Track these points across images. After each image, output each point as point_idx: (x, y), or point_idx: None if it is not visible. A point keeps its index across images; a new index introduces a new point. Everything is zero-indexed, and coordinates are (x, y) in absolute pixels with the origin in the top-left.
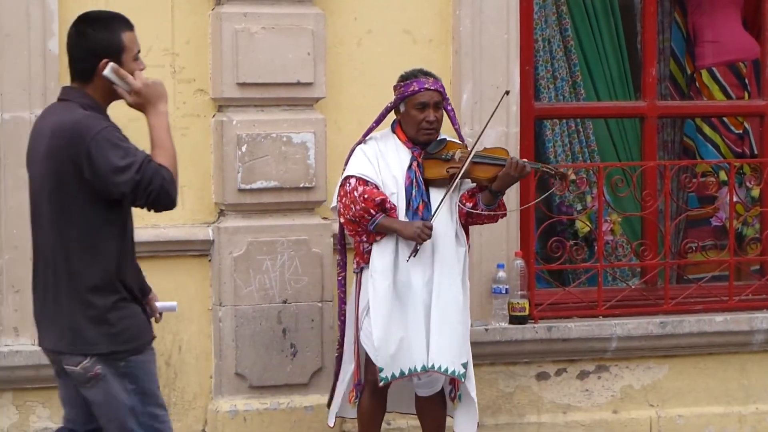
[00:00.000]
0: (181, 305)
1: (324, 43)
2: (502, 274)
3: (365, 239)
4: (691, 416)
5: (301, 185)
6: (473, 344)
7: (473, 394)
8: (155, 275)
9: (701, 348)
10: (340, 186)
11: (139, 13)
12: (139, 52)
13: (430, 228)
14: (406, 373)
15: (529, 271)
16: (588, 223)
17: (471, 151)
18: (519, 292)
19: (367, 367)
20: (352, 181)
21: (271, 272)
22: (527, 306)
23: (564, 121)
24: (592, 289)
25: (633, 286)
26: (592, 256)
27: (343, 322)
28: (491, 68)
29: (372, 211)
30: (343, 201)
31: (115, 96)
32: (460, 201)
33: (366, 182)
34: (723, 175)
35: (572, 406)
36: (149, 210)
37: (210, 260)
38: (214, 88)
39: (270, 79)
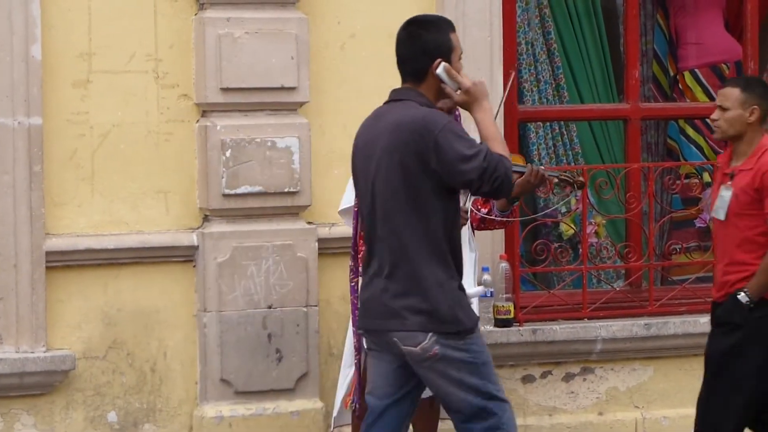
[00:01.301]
0: (166, 311)
1: (307, 47)
2: (487, 277)
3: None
4: (677, 418)
5: (286, 190)
6: None
7: None
8: (140, 281)
9: (686, 349)
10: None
11: (122, 19)
12: (462, 52)
13: (467, 212)
14: None
15: (514, 274)
16: (572, 226)
17: None
18: (504, 295)
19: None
20: None
21: (256, 277)
22: (512, 309)
23: (548, 123)
24: (576, 291)
25: (618, 288)
26: (577, 259)
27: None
28: (474, 71)
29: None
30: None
31: (442, 94)
32: (474, 206)
33: None
34: (707, 177)
35: (558, 409)
36: (487, 197)
37: (195, 266)
38: (197, 93)
39: (254, 83)
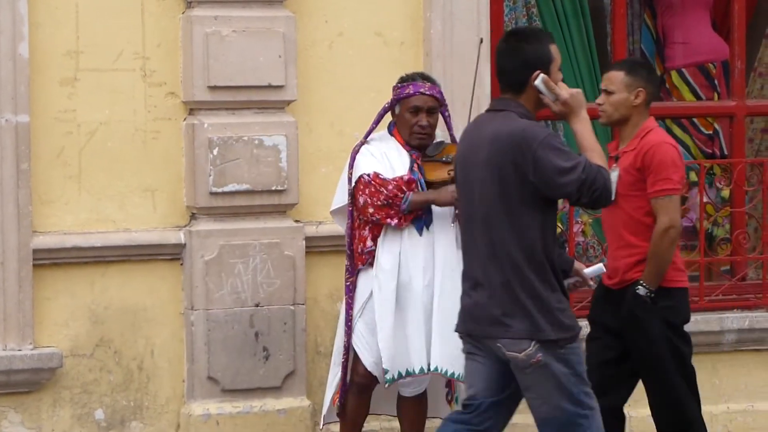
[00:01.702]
0: (153, 309)
1: (295, 45)
2: None
3: (397, 222)
4: None
5: (273, 188)
6: None
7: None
8: (127, 279)
9: None
10: (356, 184)
11: (110, 17)
12: (561, 62)
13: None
14: (404, 374)
15: None
16: (559, 225)
17: None
18: None
19: (354, 368)
20: (367, 176)
21: (243, 276)
22: None
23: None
24: None
25: None
26: None
27: (349, 328)
28: (462, 70)
29: (404, 188)
30: (367, 192)
31: (540, 105)
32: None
33: (380, 176)
34: (693, 176)
35: None
36: (587, 208)
37: (182, 264)
38: (185, 91)
39: (241, 82)
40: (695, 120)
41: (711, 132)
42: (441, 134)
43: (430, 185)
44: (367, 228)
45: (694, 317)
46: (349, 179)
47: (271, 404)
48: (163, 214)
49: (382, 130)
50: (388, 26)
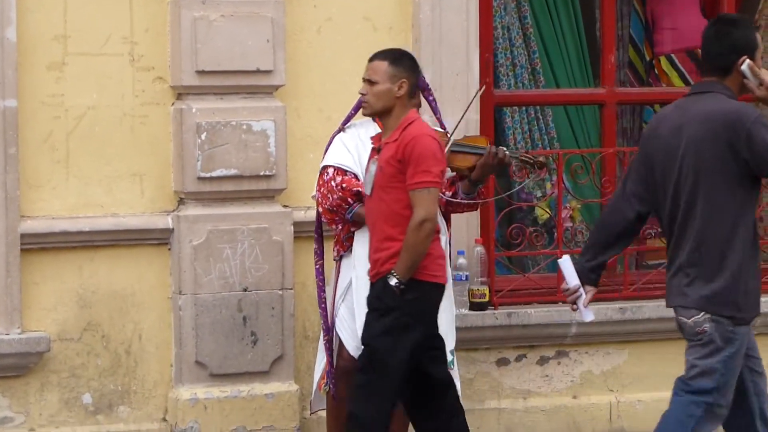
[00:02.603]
0: (141, 294)
1: (283, 30)
2: (462, 260)
3: (342, 228)
4: (651, 401)
5: (262, 173)
6: None
7: (457, 382)
8: (115, 264)
9: (660, 333)
10: (319, 175)
11: (98, 2)
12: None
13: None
14: None
15: (489, 258)
16: (547, 210)
17: (449, 139)
18: (479, 279)
19: (339, 352)
20: (330, 171)
21: (231, 260)
22: (487, 292)
23: (523, 108)
24: (551, 275)
25: None
26: (552, 243)
27: (324, 309)
28: (451, 56)
29: (349, 200)
30: (321, 191)
31: (743, 89)
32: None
33: (344, 172)
34: None
35: (532, 392)
36: None
37: (170, 249)
38: (173, 76)
39: (229, 66)
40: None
41: None
42: (429, 120)
43: None
44: None
45: None
46: None
47: (259, 389)
48: (151, 199)
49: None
50: (376, 11)
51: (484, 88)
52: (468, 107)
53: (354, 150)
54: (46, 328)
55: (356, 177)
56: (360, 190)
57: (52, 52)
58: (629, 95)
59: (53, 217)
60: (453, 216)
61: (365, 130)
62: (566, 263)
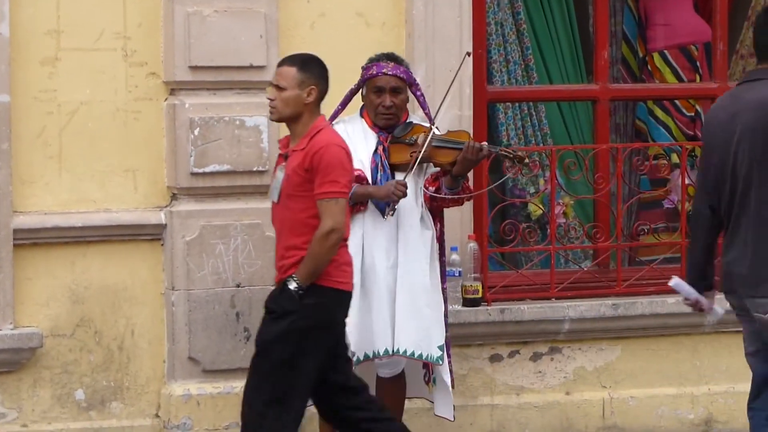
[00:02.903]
0: (134, 289)
1: (276, 26)
2: (455, 257)
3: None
4: (644, 397)
5: (254, 169)
6: None
7: (446, 377)
8: (108, 259)
9: (653, 329)
10: None
11: None
12: None
13: (404, 185)
14: (370, 356)
15: (482, 254)
16: (541, 206)
17: (429, 135)
18: (472, 275)
19: None
20: None
21: (224, 256)
22: (480, 288)
23: (517, 104)
24: (544, 271)
25: (585, 269)
26: (545, 239)
27: None
28: (444, 51)
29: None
30: None
31: None
32: (424, 185)
33: None
34: (675, 158)
35: (525, 388)
36: None
37: (162, 244)
38: (166, 71)
39: (222, 62)
40: (677, 102)
41: (693, 114)
42: (419, 115)
43: (393, 167)
44: None
45: (675, 298)
46: None
47: None
48: (144, 195)
49: (354, 112)
50: (370, 7)
51: (468, 55)
52: (448, 90)
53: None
54: (38, 323)
55: None
56: (357, 174)
57: (45, 48)
58: (622, 91)
59: (46, 212)
60: (445, 212)
61: (352, 126)
62: (678, 284)
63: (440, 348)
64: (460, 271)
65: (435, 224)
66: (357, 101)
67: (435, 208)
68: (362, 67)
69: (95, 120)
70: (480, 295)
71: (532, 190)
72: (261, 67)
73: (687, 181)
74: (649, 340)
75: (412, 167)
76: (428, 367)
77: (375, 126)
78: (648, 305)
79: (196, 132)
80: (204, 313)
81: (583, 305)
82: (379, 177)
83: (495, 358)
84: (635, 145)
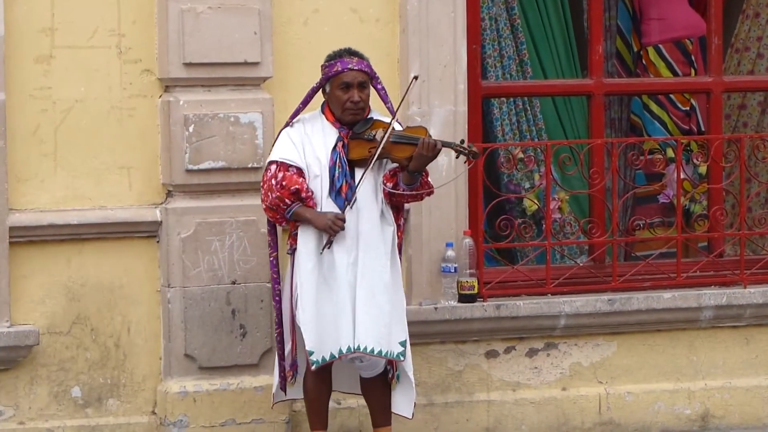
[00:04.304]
0: (130, 287)
1: (270, 22)
2: (450, 252)
3: (286, 225)
4: (640, 393)
5: (249, 165)
6: (423, 323)
7: (410, 374)
8: (103, 257)
9: (650, 325)
10: (264, 171)
11: None
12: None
13: (343, 220)
14: (336, 355)
15: (477, 250)
16: (536, 202)
17: (387, 131)
18: (468, 271)
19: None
20: (273, 167)
21: (219, 253)
22: (476, 284)
23: (511, 99)
24: (540, 267)
25: (581, 264)
26: (540, 234)
27: (278, 302)
28: (438, 47)
29: (287, 200)
30: (264, 187)
31: None
32: (382, 181)
33: (288, 167)
34: (670, 152)
35: (521, 384)
36: None
37: (158, 241)
38: (160, 68)
39: (217, 58)
40: (672, 96)
41: (688, 108)
42: (378, 108)
43: (353, 162)
44: None
45: (671, 294)
46: None
47: (248, 381)
48: (139, 192)
49: (315, 109)
50: (363, 2)
51: (414, 80)
52: (404, 96)
53: (299, 144)
54: (34, 321)
55: (299, 172)
56: (298, 188)
57: (39, 45)
58: (617, 86)
59: (41, 210)
60: (440, 208)
61: (312, 124)
62: None
63: (402, 344)
64: (456, 267)
65: (398, 219)
66: (317, 99)
67: (395, 204)
68: (323, 65)
69: (90, 117)
70: (476, 290)
71: (527, 185)
72: (255, 64)
73: (682, 176)
74: (645, 335)
75: (371, 163)
76: (392, 364)
77: (337, 122)
78: (644, 300)
79: (190, 129)
80: (200, 310)
81: (578, 301)
82: (337, 174)
83: (491, 354)
84: (630, 139)
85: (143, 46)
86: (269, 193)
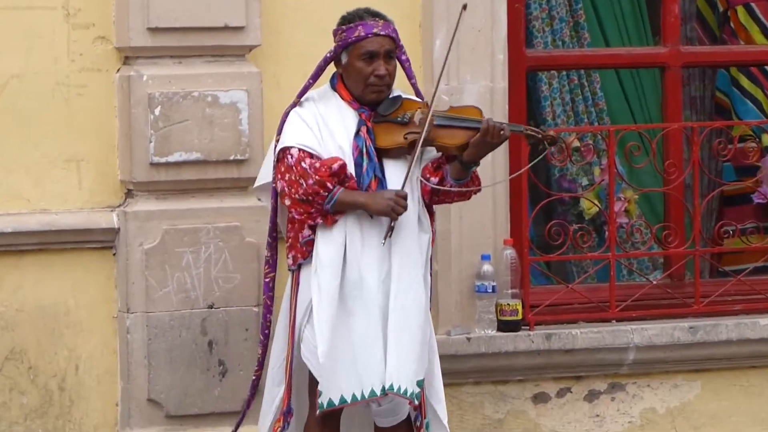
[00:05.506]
0: (78, 312)
1: None
2: (487, 267)
3: (321, 222)
4: None
5: (231, 158)
6: (452, 358)
7: (445, 421)
8: (45, 273)
9: (742, 360)
10: (278, 161)
11: None
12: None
13: (405, 198)
14: (359, 398)
15: (522, 264)
16: (596, 203)
17: (430, 111)
18: (509, 291)
19: (311, 388)
20: (294, 152)
21: (193, 269)
22: (520, 308)
23: (564, 73)
24: (602, 285)
25: (654, 282)
26: (602, 244)
27: (266, 336)
28: (470, 7)
29: (329, 184)
30: (287, 177)
31: None
32: (422, 175)
33: (310, 155)
34: (766, 140)
35: None
36: None
37: (115, 254)
38: (118, 35)
39: (190, 22)
40: None
41: None
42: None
43: (383, 153)
44: None
45: None
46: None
47: None
48: (90, 191)
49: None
50: None
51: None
52: (450, 46)
53: (315, 128)
54: None
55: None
56: (342, 165)
57: None
58: (698, 56)
59: None
60: (474, 210)
61: (325, 104)
62: None
63: (419, 384)
64: (494, 286)
65: (431, 224)
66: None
67: (435, 204)
68: (336, 29)
69: (29, 97)
70: (520, 316)
71: (584, 181)
72: (239, 29)
73: None
74: (736, 372)
75: (417, 153)
76: (421, 408)
77: (354, 101)
78: (734, 328)
79: (156, 111)
80: (167, 342)
81: (651, 329)
82: (365, 166)
83: (540, 398)
84: (716, 123)
85: (97, 7)
86: (302, 181)
